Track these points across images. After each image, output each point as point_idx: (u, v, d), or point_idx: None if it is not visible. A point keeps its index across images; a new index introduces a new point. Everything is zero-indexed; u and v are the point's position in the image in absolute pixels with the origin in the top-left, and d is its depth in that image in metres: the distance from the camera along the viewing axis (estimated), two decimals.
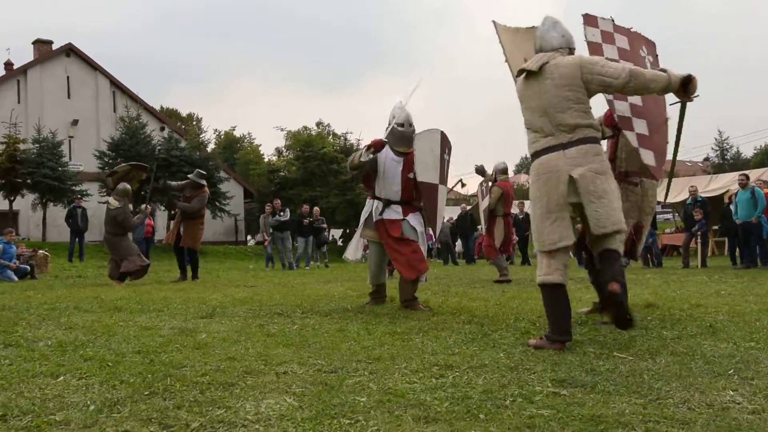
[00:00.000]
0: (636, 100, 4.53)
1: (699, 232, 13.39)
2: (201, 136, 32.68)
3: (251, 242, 35.14)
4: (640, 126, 4.54)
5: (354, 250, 6.54)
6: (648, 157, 4.50)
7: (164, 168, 25.74)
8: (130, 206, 11.75)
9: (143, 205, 12.17)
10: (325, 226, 19.04)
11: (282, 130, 35.67)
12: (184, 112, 54.21)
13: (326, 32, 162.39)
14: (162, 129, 32.09)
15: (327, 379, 3.14)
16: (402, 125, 6.15)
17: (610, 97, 4.45)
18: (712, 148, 58.79)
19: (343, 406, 2.65)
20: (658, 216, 21.09)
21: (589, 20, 4.83)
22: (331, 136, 35.72)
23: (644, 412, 2.50)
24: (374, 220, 6.15)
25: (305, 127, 35.78)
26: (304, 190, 32.23)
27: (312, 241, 18.04)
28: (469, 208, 22.88)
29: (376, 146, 6.00)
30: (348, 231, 36.40)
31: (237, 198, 33.30)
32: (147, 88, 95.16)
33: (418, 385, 3.00)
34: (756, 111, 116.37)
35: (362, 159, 5.96)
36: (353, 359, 3.61)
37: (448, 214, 24.05)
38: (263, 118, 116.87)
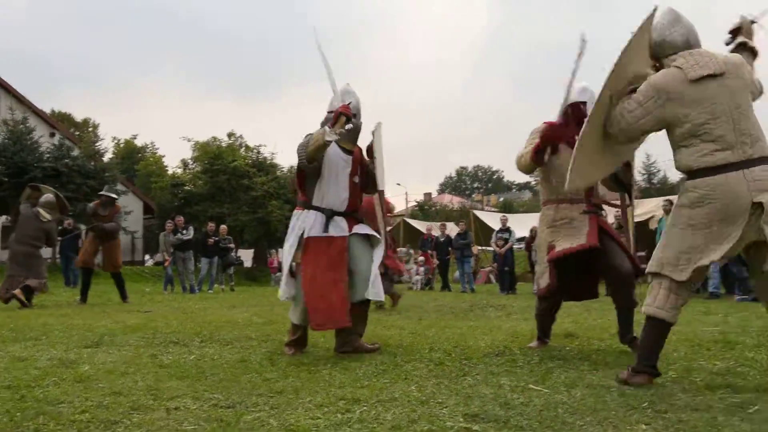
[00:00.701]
0: None
1: None
2: (97, 144, 31.60)
3: (149, 262, 34.28)
4: None
5: (288, 286, 5.10)
6: None
7: (53, 179, 24.76)
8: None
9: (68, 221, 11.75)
10: (232, 246, 18.72)
11: (189, 140, 35.10)
12: (78, 117, 52.46)
13: (240, 39, 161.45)
14: (52, 135, 30.84)
15: (223, 414, 3.08)
16: (354, 115, 5.08)
17: None
18: (640, 172, 61.63)
19: None
20: None
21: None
22: (243, 149, 35.38)
23: None
24: (306, 236, 4.96)
25: (215, 138, 35.33)
26: (210, 207, 31.73)
27: (217, 262, 17.71)
28: (389, 229, 23.05)
29: (349, 115, 4.93)
30: (257, 252, 36.02)
31: (136, 213, 32.40)
32: (35, 89, 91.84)
33: (321, 421, 2.99)
34: None
35: (328, 138, 4.71)
36: (254, 393, 3.56)
37: None
38: (169, 127, 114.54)
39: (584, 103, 5.06)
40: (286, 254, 5.09)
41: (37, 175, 24.58)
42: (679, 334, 5.95)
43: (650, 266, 3.83)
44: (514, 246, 17.49)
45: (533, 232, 16.50)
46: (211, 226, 18.55)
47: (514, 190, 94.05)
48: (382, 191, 5.35)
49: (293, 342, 5.12)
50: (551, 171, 5.17)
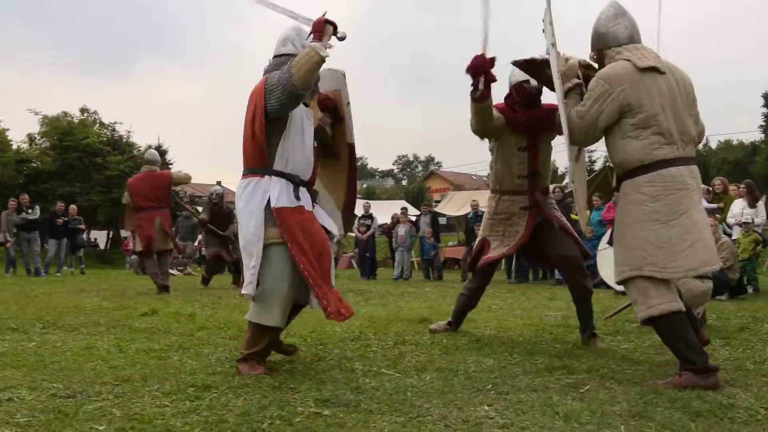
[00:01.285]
0: None
1: None
2: None
3: None
4: None
5: (255, 277, 3.76)
6: None
7: None
8: None
9: None
10: (82, 227, 17.84)
11: (37, 114, 32.94)
12: None
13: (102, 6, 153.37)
14: None
15: (62, 405, 2.94)
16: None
17: None
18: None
19: None
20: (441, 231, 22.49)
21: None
22: (97, 125, 33.66)
23: (403, 430, 2.65)
24: (279, 206, 3.77)
25: (65, 113, 33.35)
26: (59, 185, 30.00)
27: (66, 243, 16.80)
28: None
29: (335, 23, 3.91)
30: (111, 234, 34.44)
31: None
32: None
33: (169, 409, 2.92)
34: None
35: (323, 54, 3.73)
36: (97, 381, 3.42)
37: None
38: (14, 98, 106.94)
39: (527, 81, 4.96)
40: (250, 235, 3.77)
41: None
42: (525, 319, 6.29)
43: (622, 273, 3.64)
44: (376, 233, 17.73)
45: (394, 220, 16.83)
46: (60, 205, 17.55)
47: (377, 177, 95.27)
48: (353, 145, 4.46)
49: (261, 352, 3.84)
50: (496, 157, 5.15)
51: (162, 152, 37.55)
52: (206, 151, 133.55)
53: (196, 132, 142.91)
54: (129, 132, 34.27)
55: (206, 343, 4.69)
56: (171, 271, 16.76)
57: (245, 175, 3.90)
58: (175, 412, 2.87)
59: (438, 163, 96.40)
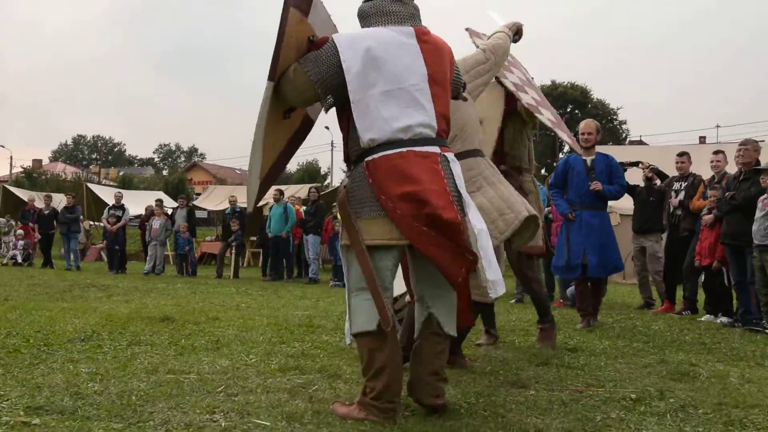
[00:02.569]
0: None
1: (234, 243, 14.38)
2: None
3: None
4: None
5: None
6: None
7: None
8: None
9: None
10: None
11: None
12: None
13: None
14: None
15: None
16: None
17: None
18: None
19: None
20: (199, 225, 21.99)
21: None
22: None
23: None
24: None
25: None
26: None
27: None
28: None
29: None
30: None
31: None
32: None
33: None
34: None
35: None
36: None
37: None
38: None
39: None
40: (485, 228, 3.14)
41: None
42: (271, 318, 6.35)
43: None
44: (128, 224, 16.90)
45: (148, 211, 16.14)
46: None
47: (136, 165, 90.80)
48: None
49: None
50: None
51: None
52: None
53: None
54: None
55: None
56: None
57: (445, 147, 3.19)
58: None
59: (202, 154, 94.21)
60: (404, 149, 2.94)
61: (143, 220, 16.39)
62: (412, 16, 3.15)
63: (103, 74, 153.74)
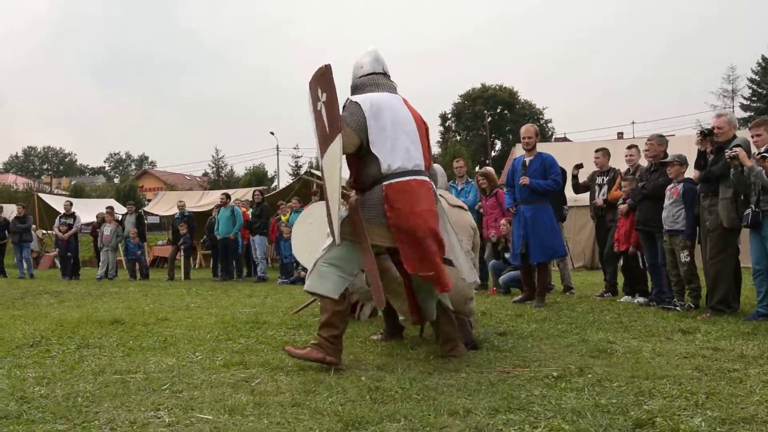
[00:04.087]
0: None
1: (183, 246, 14.12)
2: None
3: None
4: None
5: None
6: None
7: None
8: None
9: None
10: None
11: None
12: None
13: None
14: None
15: None
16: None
17: None
18: (209, 165, 63.33)
19: None
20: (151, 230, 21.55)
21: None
22: None
23: None
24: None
25: None
26: None
27: None
28: None
29: None
30: None
31: None
32: None
33: None
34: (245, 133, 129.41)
35: None
36: None
37: None
38: None
39: None
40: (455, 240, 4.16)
41: None
42: (219, 317, 6.27)
43: None
44: (81, 231, 16.44)
45: (100, 218, 15.73)
46: None
47: (87, 174, 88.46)
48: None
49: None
50: None
51: None
52: None
53: None
54: None
55: None
56: None
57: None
58: None
59: (152, 162, 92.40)
60: (410, 178, 3.84)
61: (95, 227, 15.95)
62: (394, 88, 4.15)
63: (38, 83, 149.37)
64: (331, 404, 2.96)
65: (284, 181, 48.72)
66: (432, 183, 4.04)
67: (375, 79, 4.09)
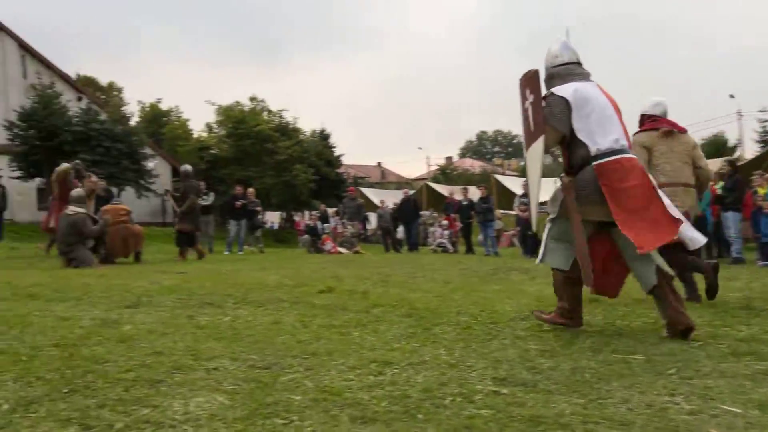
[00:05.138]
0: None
1: None
2: (123, 108, 31.87)
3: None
4: None
5: None
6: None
7: (82, 142, 25.00)
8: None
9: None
10: (259, 208, 18.84)
11: (213, 104, 35.09)
12: (103, 81, 52.15)
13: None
14: (79, 99, 31.09)
15: (260, 375, 3.15)
16: None
17: None
18: None
19: (277, 404, 2.67)
20: None
21: None
22: (265, 113, 35.30)
23: (584, 413, 2.60)
24: None
25: (238, 102, 35.26)
26: (236, 170, 31.85)
27: (245, 224, 17.84)
28: (411, 192, 22.97)
29: None
30: (284, 215, 36.22)
31: (164, 176, 32.62)
32: (61, 55, 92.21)
33: (355, 383, 3.04)
34: None
35: None
36: (288, 354, 3.62)
37: (391, 199, 24.14)
38: (191, 90, 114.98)
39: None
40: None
41: (67, 138, 24.85)
42: (704, 300, 5.94)
43: None
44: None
45: None
46: (238, 189, 18.65)
47: None
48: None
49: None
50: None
51: (325, 136, 38.87)
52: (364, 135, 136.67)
53: (356, 118, 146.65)
54: (295, 119, 35.74)
55: (381, 321, 4.83)
56: (340, 249, 17.38)
57: None
58: (361, 386, 2.99)
59: None
60: (618, 156, 4.22)
61: None
62: (588, 75, 4.56)
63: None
64: None
65: (750, 149, 44.10)
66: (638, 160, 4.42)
67: (572, 69, 4.53)
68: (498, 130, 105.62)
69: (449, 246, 19.27)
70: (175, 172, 35.43)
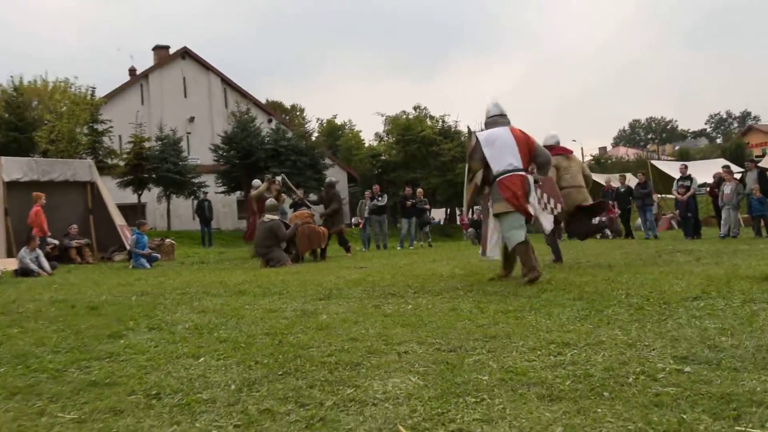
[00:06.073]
0: None
1: None
2: (306, 125, 33.52)
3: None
4: None
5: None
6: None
7: (273, 158, 26.56)
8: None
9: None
10: (427, 206, 19.01)
11: (382, 115, 35.99)
12: (287, 103, 55.18)
13: (407, 18, 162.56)
14: (269, 121, 33.22)
15: (447, 357, 3.15)
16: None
17: None
18: None
19: (467, 384, 2.65)
20: None
21: None
22: (428, 119, 35.63)
23: None
24: None
25: (403, 112, 35.92)
26: (404, 173, 32.45)
27: (415, 221, 18.07)
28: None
29: None
30: (448, 211, 36.35)
31: (341, 183, 33.83)
32: (253, 85, 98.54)
33: (537, 363, 2.97)
34: None
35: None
36: (470, 338, 3.60)
37: None
38: (359, 105, 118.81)
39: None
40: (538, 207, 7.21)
41: (260, 156, 26.54)
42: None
43: None
44: (696, 192, 16.18)
45: (716, 178, 15.21)
46: (408, 189, 18.94)
47: (689, 138, 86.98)
48: None
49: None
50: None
51: None
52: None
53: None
54: (456, 122, 35.74)
55: (553, 304, 4.68)
56: None
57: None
58: (543, 366, 2.91)
59: (755, 117, 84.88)
60: (509, 174, 6.22)
61: (713, 187, 15.50)
62: (507, 123, 6.55)
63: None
64: None
65: None
66: (528, 175, 6.34)
67: (497, 120, 6.60)
68: (651, 117, 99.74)
69: (608, 232, 18.36)
70: (351, 179, 36.82)
